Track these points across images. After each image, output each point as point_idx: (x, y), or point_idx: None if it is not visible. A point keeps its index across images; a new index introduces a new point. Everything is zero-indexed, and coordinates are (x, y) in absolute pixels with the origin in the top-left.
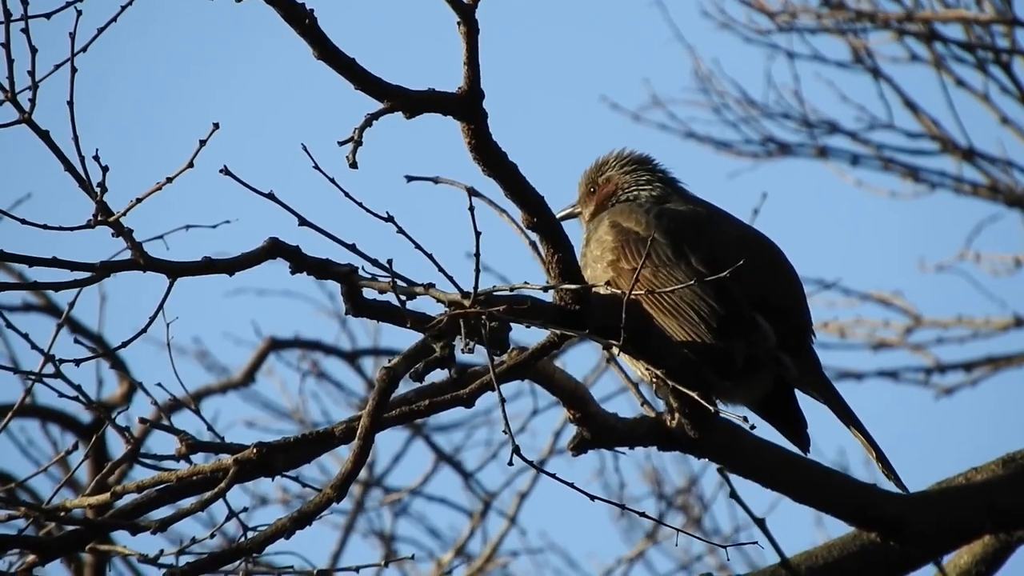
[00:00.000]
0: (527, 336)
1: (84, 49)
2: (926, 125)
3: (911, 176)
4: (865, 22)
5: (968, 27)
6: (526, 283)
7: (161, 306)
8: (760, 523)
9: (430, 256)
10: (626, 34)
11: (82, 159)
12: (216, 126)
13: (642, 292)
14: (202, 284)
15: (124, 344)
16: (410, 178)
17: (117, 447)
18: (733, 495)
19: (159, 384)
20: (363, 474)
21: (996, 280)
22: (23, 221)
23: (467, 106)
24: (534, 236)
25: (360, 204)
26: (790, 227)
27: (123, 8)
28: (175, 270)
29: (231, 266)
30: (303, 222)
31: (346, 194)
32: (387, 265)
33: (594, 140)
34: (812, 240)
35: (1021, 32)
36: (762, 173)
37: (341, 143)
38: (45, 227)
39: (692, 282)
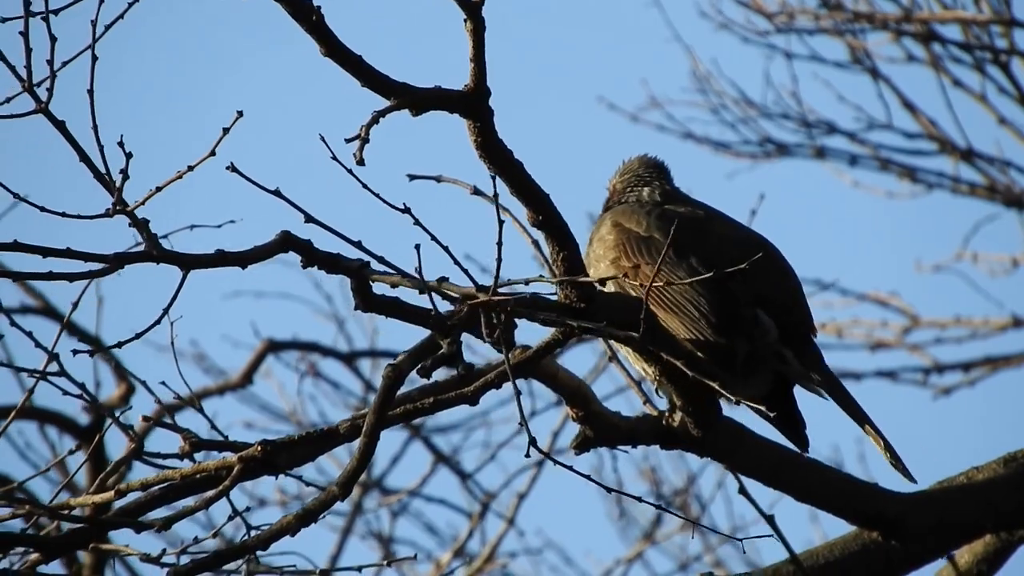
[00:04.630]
0: (528, 337)
1: (91, 47)
2: (924, 125)
3: (909, 176)
4: (863, 23)
5: (966, 28)
6: (541, 277)
7: (175, 298)
8: (770, 520)
9: (446, 248)
10: (624, 34)
11: (101, 148)
12: (240, 114)
13: (661, 283)
14: (200, 286)
15: (135, 337)
16: (412, 177)
17: (115, 450)
18: (743, 491)
19: (163, 382)
20: (362, 476)
21: (994, 280)
22: (43, 208)
23: (473, 104)
24: (538, 234)
25: (378, 196)
26: (788, 227)
27: (130, 4)
28: (188, 262)
29: (244, 259)
30: (309, 219)
31: (364, 186)
32: (395, 264)
33: (592, 141)
34: (810, 240)
35: (1019, 33)
36: (760, 173)
37: (348, 140)
38: (64, 215)
39: (706, 275)
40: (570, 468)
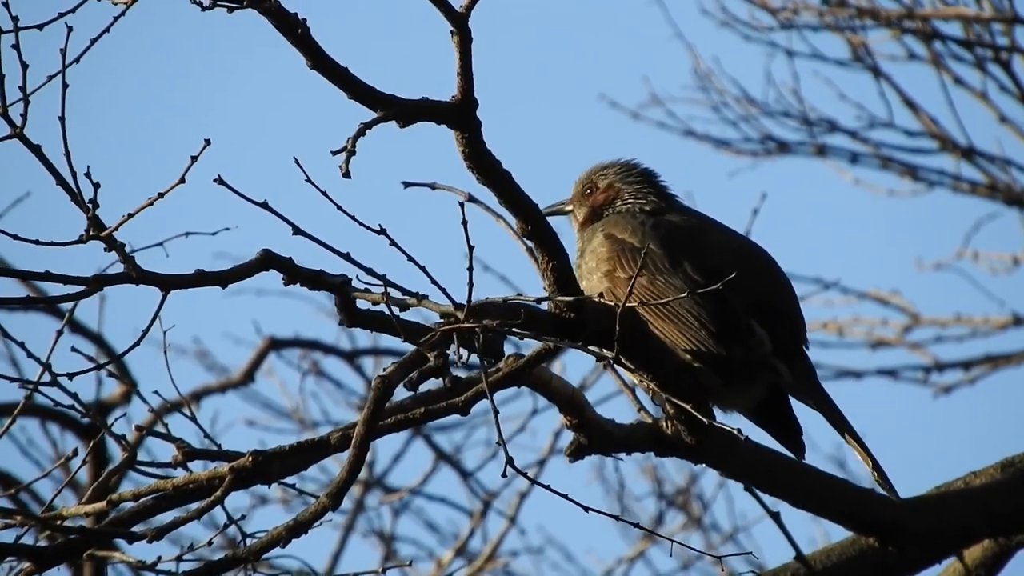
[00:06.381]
0: (523, 342)
1: (77, 60)
2: (925, 123)
3: (910, 174)
4: (866, 19)
5: (967, 25)
6: (519, 295)
7: (155, 318)
8: (775, 516)
9: (423, 268)
10: (625, 32)
11: (74, 174)
12: (207, 142)
13: (636, 304)
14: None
15: (120, 356)
16: (407, 184)
17: (117, 448)
18: (748, 489)
19: (156, 392)
20: (363, 474)
21: (994, 278)
22: (16, 237)
23: (460, 115)
24: (530, 243)
25: (353, 217)
26: (789, 225)
27: (115, 19)
28: (167, 283)
29: (223, 278)
30: (297, 231)
31: (339, 207)
32: (382, 276)
33: (593, 138)
34: (810, 238)
35: (1020, 30)
36: (761, 171)
37: (335, 153)
38: (37, 242)
39: (690, 292)
40: (547, 487)
